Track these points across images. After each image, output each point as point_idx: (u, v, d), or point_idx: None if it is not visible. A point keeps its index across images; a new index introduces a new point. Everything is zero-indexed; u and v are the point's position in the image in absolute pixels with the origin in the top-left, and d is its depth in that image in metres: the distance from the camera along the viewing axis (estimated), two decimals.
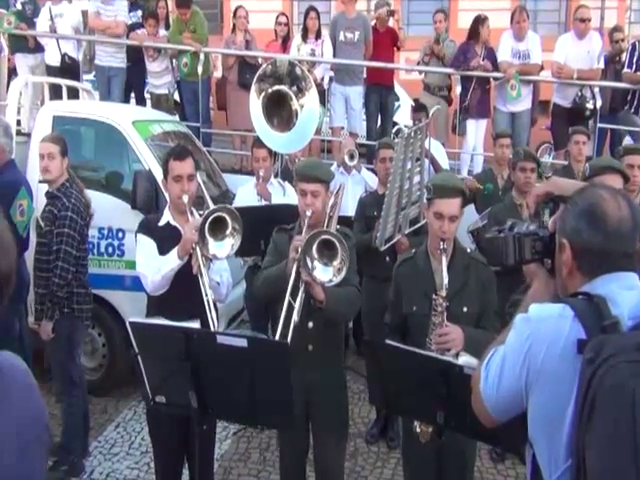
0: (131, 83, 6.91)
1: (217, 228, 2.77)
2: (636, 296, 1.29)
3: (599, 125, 6.17)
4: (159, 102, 6.77)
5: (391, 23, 7.01)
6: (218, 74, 7.36)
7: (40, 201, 3.82)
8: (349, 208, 4.61)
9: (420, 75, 7.17)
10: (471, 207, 4.83)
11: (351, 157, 4.88)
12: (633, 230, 1.33)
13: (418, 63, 6.79)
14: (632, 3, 11.80)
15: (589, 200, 1.35)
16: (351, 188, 4.93)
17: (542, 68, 6.38)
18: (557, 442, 1.26)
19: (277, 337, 2.48)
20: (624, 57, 6.16)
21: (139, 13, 7.05)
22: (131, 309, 4.11)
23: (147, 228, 2.99)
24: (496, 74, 6.20)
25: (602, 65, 6.06)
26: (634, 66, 6.00)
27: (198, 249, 2.75)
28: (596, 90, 6.10)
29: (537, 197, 1.54)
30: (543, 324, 1.31)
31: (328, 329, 2.80)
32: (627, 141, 6.14)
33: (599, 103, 6.07)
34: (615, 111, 6.33)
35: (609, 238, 1.30)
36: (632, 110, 6.09)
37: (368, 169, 5.17)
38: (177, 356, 2.09)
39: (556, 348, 1.26)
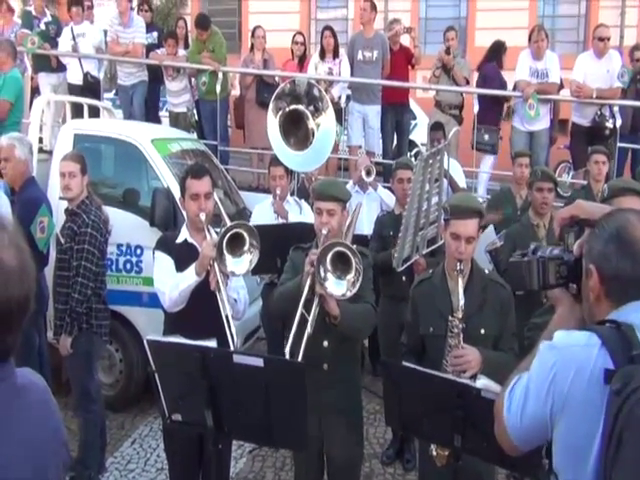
0: (147, 101, 7.03)
1: (235, 244, 2.78)
2: None
3: (619, 144, 6.11)
4: (177, 120, 6.88)
5: (407, 41, 7.06)
6: (236, 92, 7.46)
7: (60, 217, 3.88)
8: (364, 226, 4.61)
9: (430, 92, 7.19)
10: (489, 227, 4.81)
11: (368, 173, 4.89)
12: None
13: (429, 78, 6.78)
14: None
15: (617, 224, 1.32)
16: (366, 206, 4.93)
17: (562, 87, 6.36)
18: (583, 473, 1.23)
19: (288, 347, 2.47)
20: None
21: (155, 34, 7.20)
22: (148, 326, 4.13)
23: (165, 245, 3.02)
24: (514, 93, 6.20)
25: (624, 84, 6.01)
26: None
27: (216, 265, 2.76)
28: (615, 109, 6.05)
29: (562, 220, 1.50)
30: (569, 352, 1.28)
31: (344, 348, 2.79)
32: None
33: (619, 122, 6.01)
34: (636, 130, 6.28)
35: (638, 264, 1.28)
36: None
37: (384, 187, 5.17)
38: (194, 374, 2.09)
39: (583, 377, 1.24)
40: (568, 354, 1.28)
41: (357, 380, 2.99)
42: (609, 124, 5.95)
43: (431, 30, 12.20)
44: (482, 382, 1.99)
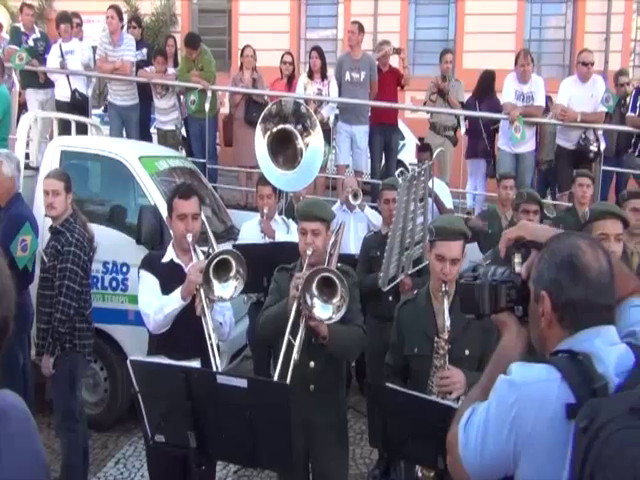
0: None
1: (221, 270, 2.77)
2: (619, 351, 1.25)
3: (604, 168, 6.21)
4: (166, 138, 6.89)
5: (397, 62, 7.16)
6: (225, 110, 7.50)
7: (46, 235, 3.86)
8: (351, 245, 4.63)
9: (426, 115, 7.29)
10: (474, 246, 4.85)
11: (355, 196, 4.92)
12: (611, 281, 1.30)
13: (425, 102, 6.88)
14: (636, 47, 12.03)
15: (567, 250, 1.31)
16: (353, 226, 4.97)
17: (547, 110, 6.47)
18: None
19: (276, 376, 2.46)
20: (629, 100, 6.25)
21: (144, 51, 7.23)
22: (134, 344, 4.10)
23: (150, 265, 3.00)
24: (501, 116, 6.30)
25: (610, 108, 6.12)
26: (637, 110, 6.08)
27: (202, 291, 2.75)
28: (600, 133, 6.17)
29: (508, 241, 1.48)
30: (530, 389, 1.24)
31: (330, 369, 2.79)
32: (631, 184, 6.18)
33: (603, 146, 6.12)
34: (621, 154, 6.39)
35: (591, 291, 1.27)
36: (636, 153, 6.14)
37: (372, 207, 5.20)
38: (177, 396, 2.07)
39: (546, 414, 1.21)
40: (529, 391, 1.24)
41: (343, 401, 2.99)
42: (593, 147, 6.05)
43: (420, 52, 12.40)
44: None
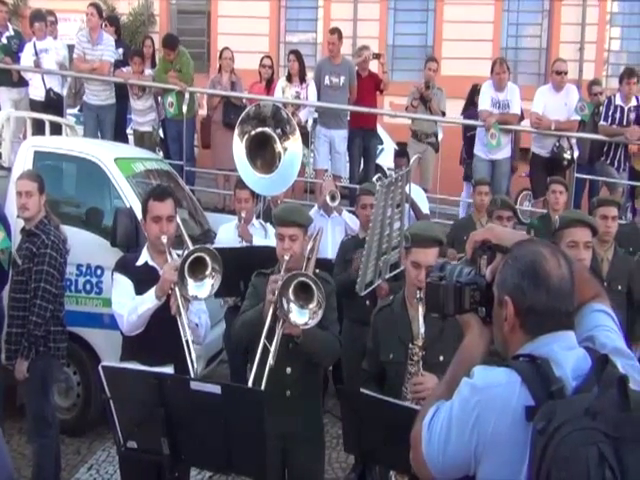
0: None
1: (197, 268, 2.76)
2: (576, 355, 1.30)
3: (577, 175, 6.34)
4: (142, 139, 6.82)
5: (376, 67, 7.21)
6: (203, 112, 7.46)
7: (18, 236, 3.79)
8: (329, 250, 4.64)
9: (406, 120, 7.33)
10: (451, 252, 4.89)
11: (333, 198, 4.93)
12: (572, 288, 1.34)
13: (406, 108, 6.92)
14: (609, 57, 12.30)
15: (530, 257, 1.34)
16: (331, 230, 4.97)
17: (522, 117, 6.58)
18: None
19: (251, 381, 2.46)
20: (601, 110, 6.38)
21: (120, 51, 7.15)
22: (108, 348, 4.05)
23: (124, 267, 2.98)
24: (477, 123, 6.39)
25: (585, 117, 6.24)
26: (610, 119, 6.22)
27: (177, 290, 2.73)
28: (573, 141, 6.29)
29: (475, 243, 1.49)
30: (491, 392, 1.28)
31: (307, 375, 2.79)
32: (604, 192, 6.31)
33: (576, 153, 6.25)
34: (593, 162, 6.52)
35: (552, 297, 1.31)
36: (608, 161, 6.28)
37: (349, 212, 5.22)
38: (150, 402, 2.06)
39: (506, 417, 1.25)
40: (490, 394, 1.28)
41: (319, 407, 2.99)
42: (567, 155, 6.18)
43: (398, 57, 12.50)
44: None
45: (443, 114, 6.86)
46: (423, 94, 6.65)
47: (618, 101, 6.22)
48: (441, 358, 2.57)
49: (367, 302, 3.88)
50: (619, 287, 3.82)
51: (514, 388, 1.25)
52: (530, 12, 12.43)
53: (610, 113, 6.21)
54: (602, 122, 6.24)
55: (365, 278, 3.78)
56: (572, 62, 10.89)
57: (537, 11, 12.39)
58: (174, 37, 7.06)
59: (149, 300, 2.78)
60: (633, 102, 6.21)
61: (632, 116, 6.15)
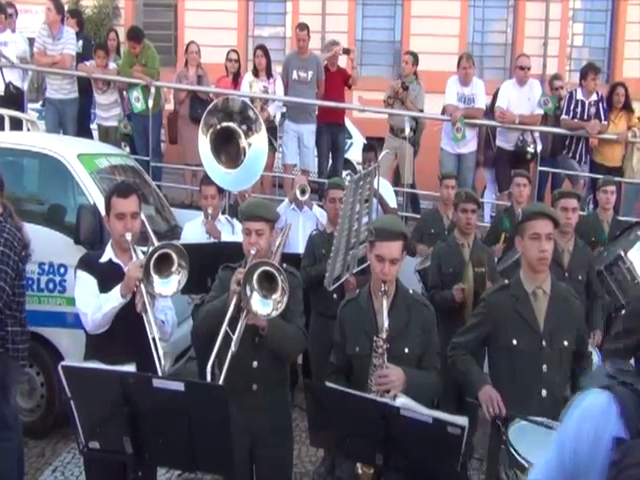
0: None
1: (162, 265, 2.73)
2: None
3: (540, 168, 6.46)
4: (107, 135, 6.70)
5: (345, 62, 7.21)
6: (170, 107, 7.36)
7: None
8: (300, 245, 4.64)
9: (374, 114, 7.35)
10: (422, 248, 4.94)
11: (302, 192, 4.94)
12: None
13: (384, 102, 6.91)
14: (572, 52, 12.56)
15: None
16: (302, 225, 4.98)
17: (486, 112, 6.66)
18: None
19: (209, 367, 2.44)
20: (562, 104, 6.52)
21: (80, 44, 6.99)
22: (72, 347, 3.98)
23: (87, 264, 2.93)
24: (443, 117, 6.45)
25: (550, 111, 6.36)
26: (571, 113, 6.36)
27: (143, 287, 2.70)
28: (536, 135, 6.41)
29: None
30: (588, 423, 1.27)
31: (273, 368, 2.79)
32: (566, 184, 6.45)
33: (540, 147, 6.37)
34: (556, 155, 6.65)
35: None
36: (570, 154, 6.42)
37: (319, 206, 5.23)
38: (112, 401, 2.03)
39: (599, 444, 1.24)
40: (587, 424, 1.27)
41: (287, 400, 2.99)
42: (531, 149, 6.30)
43: (367, 52, 12.53)
44: (401, 401, 2.04)
45: (421, 111, 6.87)
46: (399, 95, 6.65)
47: (579, 96, 6.36)
48: (406, 350, 2.61)
49: (335, 296, 3.91)
50: (579, 277, 3.93)
51: (610, 418, 1.24)
52: (495, 7, 12.59)
53: (572, 107, 6.35)
54: (564, 116, 6.37)
55: (333, 272, 3.80)
56: (536, 57, 11.09)
57: (502, 7, 12.56)
58: (139, 30, 6.93)
59: (114, 298, 2.74)
60: (594, 97, 6.35)
61: (592, 110, 6.29)
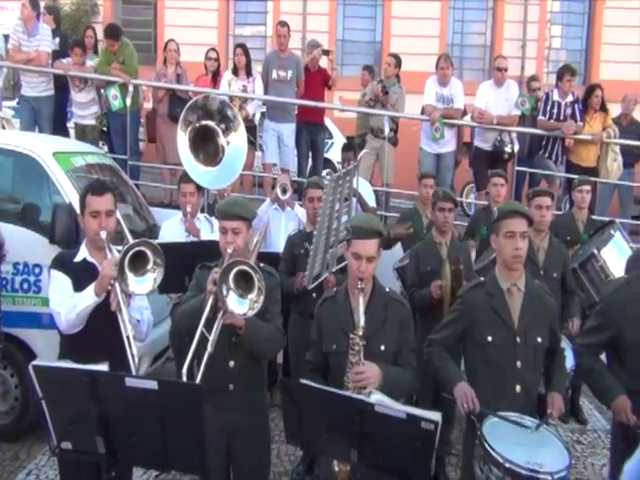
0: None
1: (138, 263, 2.70)
2: None
3: (517, 168, 6.54)
4: (84, 133, 6.61)
5: (325, 63, 7.22)
6: (149, 105, 7.30)
7: None
8: (281, 244, 4.63)
9: (354, 114, 7.37)
10: (397, 245, 4.98)
11: (284, 191, 4.93)
12: None
13: (367, 102, 6.92)
14: (550, 54, 12.73)
15: None
16: (284, 224, 4.97)
17: (465, 112, 6.73)
18: None
19: (185, 368, 2.43)
20: (540, 105, 6.60)
21: (56, 40, 6.90)
22: (47, 349, 3.91)
23: (62, 264, 2.89)
24: (422, 117, 6.49)
25: (527, 111, 6.44)
26: (548, 114, 6.45)
27: (117, 285, 2.67)
28: (514, 135, 6.49)
29: None
30: None
31: (250, 368, 2.78)
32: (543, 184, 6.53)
33: (517, 147, 6.45)
34: (533, 155, 6.73)
35: None
36: (546, 155, 6.50)
37: (301, 206, 5.22)
38: (84, 400, 2.00)
39: None
40: None
41: (264, 400, 2.98)
42: (508, 149, 6.38)
43: (348, 52, 12.57)
44: (376, 397, 2.05)
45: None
46: (380, 99, 6.66)
47: (555, 97, 6.45)
48: (382, 347, 2.62)
49: (314, 295, 3.90)
50: (554, 274, 3.98)
51: None
52: (475, 10, 12.72)
53: (548, 108, 6.44)
54: (540, 117, 6.46)
55: (313, 271, 3.80)
56: (515, 59, 11.25)
57: (482, 9, 12.69)
58: (117, 27, 6.86)
59: (88, 297, 2.71)
60: (569, 98, 6.45)
61: (568, 111, 6.39)
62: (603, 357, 2.85)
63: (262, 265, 2.88)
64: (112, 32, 6.54)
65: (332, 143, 9.21)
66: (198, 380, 2.42)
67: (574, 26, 12.71)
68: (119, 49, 6.52)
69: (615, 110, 6.89)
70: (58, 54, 6.73)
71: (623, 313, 2.64)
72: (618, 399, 2.61)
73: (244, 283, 2.55)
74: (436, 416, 1.93)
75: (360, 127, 7.35)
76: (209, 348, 2.50)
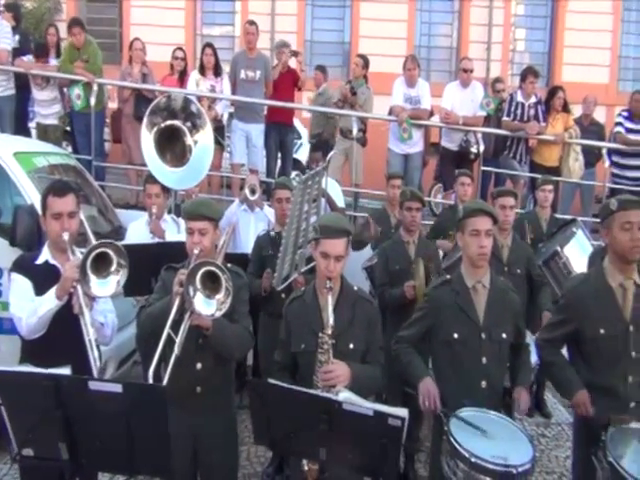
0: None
1: (101, 265, 2.65)
2: None
3: (483, 168, 6.65)
4: (47, 133, 6.46)
5: (294, 64, 7.22)
6: (115, 105, 7.18)
7: None
8: (250, 246, 4.60)
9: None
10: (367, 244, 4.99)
11: (252, 192, 4.91)
12: None
13: (336, 103, 6.93)
14: (514, 57, 12.98)
15: None
16: (254, 225, 4.95)
17: (432, 113, 6.81)
18: None
19: (151, 371, 2.39)
20: (504, 106, 6.72)
21: (16, 38, 6.72)
22: (8, 355, 3.78)
23: (22, 267, 2.82)
24: (390, 118, 6.54)
25: (492, 112, 6.55)
26: (512, 114, 6.57)
27: (79, 288, 2.62)
28: (479, 136, 6.60)
29: None
30: None
31: (217, 370, 2.76)
32: (508, 184, 6.66)
33: (482, 147, 6.55)
34: (498, 155, 6.85)
35: None
36: (511, 155, 6.63)
37: (270, 206, 5.20)
38: (46, 405, 1.95)
39: None
40: None
41: (232, 402, 2.95)
42: (474, 149, 6.48)
43: (316, 53, 12.58)
44: (343, 395, 2.06)
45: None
46: (348, 100, 6.68)
47: (519, 98, 6.58)
48: (351, 346, 2.63)
49: (283, 296, 3.88)
50: (518, 271, 4.07)
51: None
52: (441, 12, 12.88)
53: (512, 109, 6.56)
54: (505, 117, 6.58)
55: (282, 272, 3.79)
56: (480, 61, 11.42)
57: (448, 12, 12.86)
58: (80, 19, 6.72)
59: (49, 301, 2.65)
60: (533, 99, 6.59)
61: (532, 112, 6.52)
62: (565, 352, 2.92)
63: (229, 265, 2.86)
64: (77, 21, 6.41)
65: (301, 144, 9.22)
66: (165, 383, 2.38)
67: (537, 29, 12.98)
68: (83, 47, 6.39)
69: (576, 111, 7.06)
70: (18, 52, 6.55)
71: (583, 308, 2.70)
72: (578, 393, 2.67)
73: (211, 284, 2.53)
74: (403, 412, 1.95)
75: (315, 127, 7.39)
76: (176, 350, 2.47)
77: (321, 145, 5.71)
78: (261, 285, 3.91)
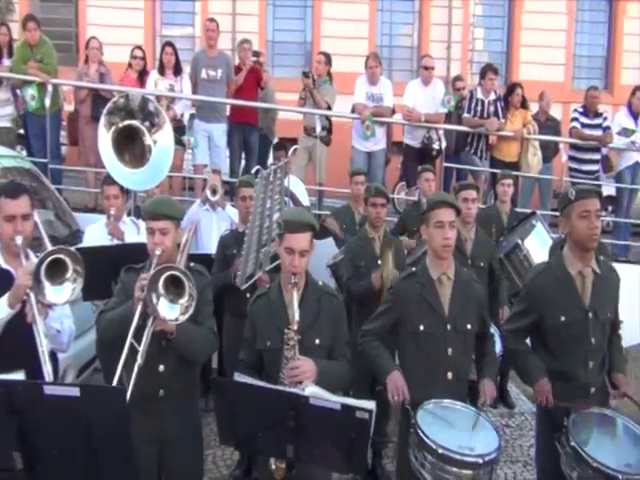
0: None
1: (55, 272, 2.55)
2: None
3: (445, 164, 6.73)
4: None
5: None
6: (70, 107, 6.99)
7: None
8: (213, 246, 4.54)
9: (288, 114, 7.35)
10: (330, 241, 4.99)
11: (213, 192, 4.85)
12: None
13: (298, 102, 6.89)
14: (473, 56, 13.20)
15: None
16: (216, 225, 4.89)
17: (394, 112, 6.85)
18: None
19: (115, 382, 2.32)
20: (464, 103, 6.82)
21: None
22: None
23: None
24: (352, 116, 6.56)
25: (451, 108, 6.63)
26: (472, 111, 6.67)
27: (33, 295, 2.51)
28: (441, 132, 6.67)
29: None
30: None
31: (181, 372, 2.70)
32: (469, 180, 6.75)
33: (444, 144, 6.63)
34: (459, 152, 6.95)
35: None
36: (472, 151, 6.73)
37: (233, 206, 5.15)
38: None
39: None
40: None
41: (195, 405, 2.89)
42: (436, 146, 6.55)
43: (278, 53, 12.54)
44: (310, 390, 2.03)
45: (329, 107, 6.92)
46: (304, 83, 6.62)
47: (479, 95, 6.69)
48: (317, 341, 2.61)
49: (248, 295, 3.83)
50: (481, 264, 4.12)
51: None
52: (402, 12, 13.00)
53: (472, 106, 6.66)
54: (465, 114, 6.67)
55: (246, 271, 3.74)
56: (440, 60, 11.57)
57: (409, 12, 13.00)
58: (34, 15, 6.54)
59: (1, 309, 2.54)
60: (492, 96, 6.70)
61: (491, 109, 6.64)
62: (529, 342, 2.96)
63: (192, 264, 2.81)
64: (32, 17, 6.24)
65: None
66: (129, 392, 2.30)
67: (495, 29, 13.24)
68: (37, 46, 6.20)
69: (533, 108, 7.21)
70: None
71: (543, 297, 2.75)
72: (540, 381, 2.72)
73: (174, 288, 2.47)
74: (370, 405, 1.94)
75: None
76: (139, 360, 2.41)
77: (284, 144, 5.68)
78: (231, 273, 3.81)
